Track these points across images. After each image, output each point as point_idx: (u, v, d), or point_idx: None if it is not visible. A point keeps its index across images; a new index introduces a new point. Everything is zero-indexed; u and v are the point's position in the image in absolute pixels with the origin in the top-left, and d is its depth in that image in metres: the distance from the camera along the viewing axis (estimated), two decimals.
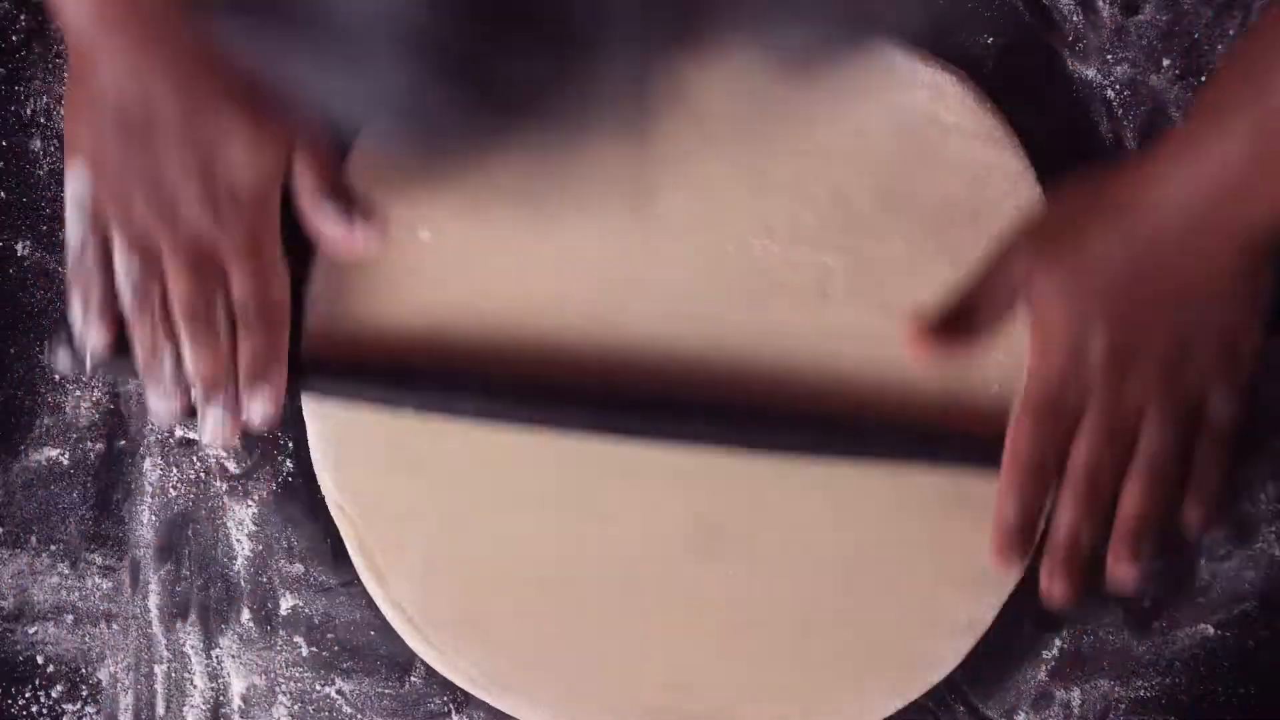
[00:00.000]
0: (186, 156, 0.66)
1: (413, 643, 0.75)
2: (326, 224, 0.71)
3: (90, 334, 0.69)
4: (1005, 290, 0.67)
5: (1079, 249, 0.65)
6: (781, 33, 0.45)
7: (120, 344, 0.70)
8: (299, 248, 0.72)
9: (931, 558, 0.74)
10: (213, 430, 0.70)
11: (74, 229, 0.68)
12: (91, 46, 0.66)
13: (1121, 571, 0.69)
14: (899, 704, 0.75)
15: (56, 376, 0.77)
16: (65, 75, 0.69)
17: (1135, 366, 0.65)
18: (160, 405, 0.70)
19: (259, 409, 0.70)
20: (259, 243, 0.68)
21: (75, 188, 0.68)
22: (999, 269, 0.67)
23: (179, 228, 0.67)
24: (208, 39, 0.64)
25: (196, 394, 0.70)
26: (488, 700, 0.75)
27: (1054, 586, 0.70)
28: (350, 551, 0.75)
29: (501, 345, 0.74)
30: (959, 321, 0.68)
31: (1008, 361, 0.74)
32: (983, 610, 0.74)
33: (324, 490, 0.75)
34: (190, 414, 0.71)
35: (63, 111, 0.68)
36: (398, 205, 0.74)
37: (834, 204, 0.74)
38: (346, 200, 0.71)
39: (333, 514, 0.75)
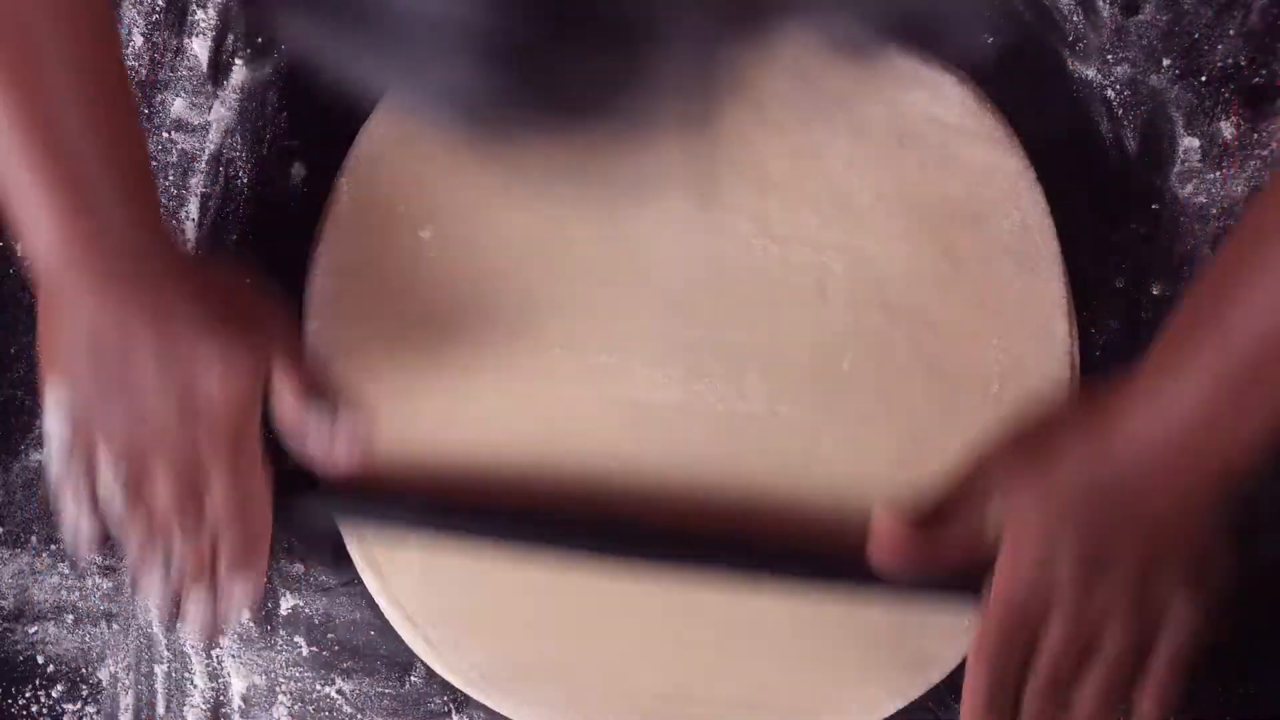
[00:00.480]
0: (165, 383, 0.67)
1: (412, 642, 0.75)
2: (309, 439, 0.71)
3: (85, 530, 0.69)
4: (978, 501, 0.69)
5: (1052, 469, 0.66)
6: (840, 23, 0.45)
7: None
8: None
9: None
10: (195, 615, 0.71)
11: (55, 444, 0.68)
12: (60, 286, 0.67)
13: None
14: (899, 704, 0.75)
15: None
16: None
17: (1102, 579, 0.67)
18: (155, 592, 0.71)
19: (240, 594, 0.71)
20: (239, 449, 0.69)
21: (55, 407, 0.68)
22: (973, 480, 0.69)
23: (162, 443, 0.68)
24: (174, 267, 0.67)
25: (183, 585, 0.71)
26: (486, 701, 0.75)
27: None
28: (350, 549, 0.75)
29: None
30: (930, 526, 0.69)
31: (1006, 360, 0.74)
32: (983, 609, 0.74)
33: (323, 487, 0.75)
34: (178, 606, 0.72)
35: (37, 333, 0.69)
36: (399, 204, 0.74)
37: (834, 204, 0.74)
38: (328, 410, 0.71)
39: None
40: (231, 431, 0.69)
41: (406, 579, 0.74)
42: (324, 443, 0.71)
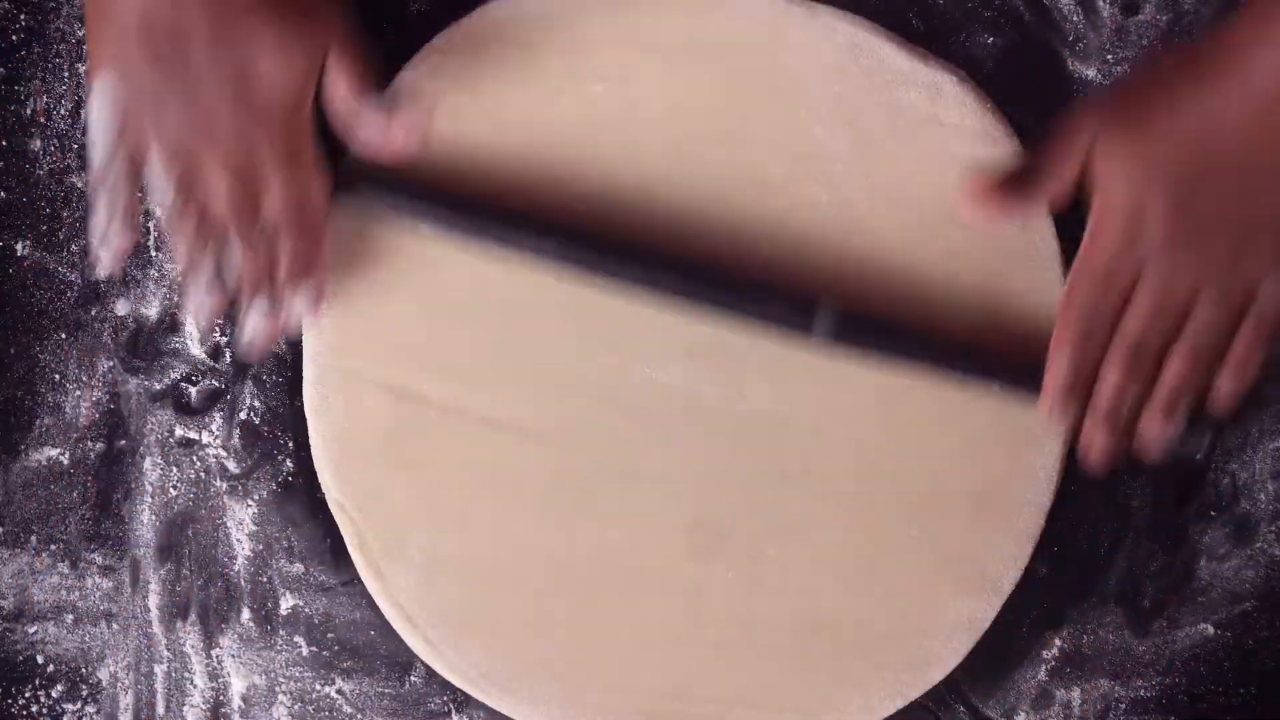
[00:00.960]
0: (219, 67, 0.66)
1: (412, 642, 0.75)
2: (362, 126, 0.70)
3: (114, 241, 0.68)
4: (1071, 155, 0.67)
5: (1151, 119, 0.64)
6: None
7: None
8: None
9: (931, 558, 0.74)
10: (253, 329, 0.70)
11: (101, 141, 0.67)
12: None
13: (1153, 433, 0.70)
14: (899, 704, 0.75)
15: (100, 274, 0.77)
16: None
17: (1194, 244, 0.65)
18: (200, 304, 0.70)
19: (300, 307, 0.70)
20: (296, 148, 0.68)
21: (102, 100, 0.67)
22: (1067, 134, 0.67)
23: (216, 136, 0.67)
24: None
25: (241, 295, 0.70)
26: (486, 701, 0.75)
27: (1094, 444, 0.71)
28: (350, 550, 0.75)
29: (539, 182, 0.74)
30: (1020, 182, 0.68)
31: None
32: (982, 610, 0.74)
33: (324, 488, 0.75)
34: (223, 314, 0.70)
35: (85, 24, 0.67)
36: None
37: (833, 204, 0.74)
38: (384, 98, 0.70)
39: (333, 512, 0.75)
40: (287, 129, 0.67)
41: (406, 580, 0.74)
42: (379, 130, 0.69)
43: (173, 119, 0.67)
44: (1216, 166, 0.64)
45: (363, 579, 0.75)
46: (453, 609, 0.75)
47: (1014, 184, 0.69)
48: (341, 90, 0.69)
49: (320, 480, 0.75)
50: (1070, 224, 0.76)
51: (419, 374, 0.74)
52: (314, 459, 0.75)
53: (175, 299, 0.78)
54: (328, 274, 0.72)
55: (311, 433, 0.75)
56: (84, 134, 0.75)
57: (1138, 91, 0.67)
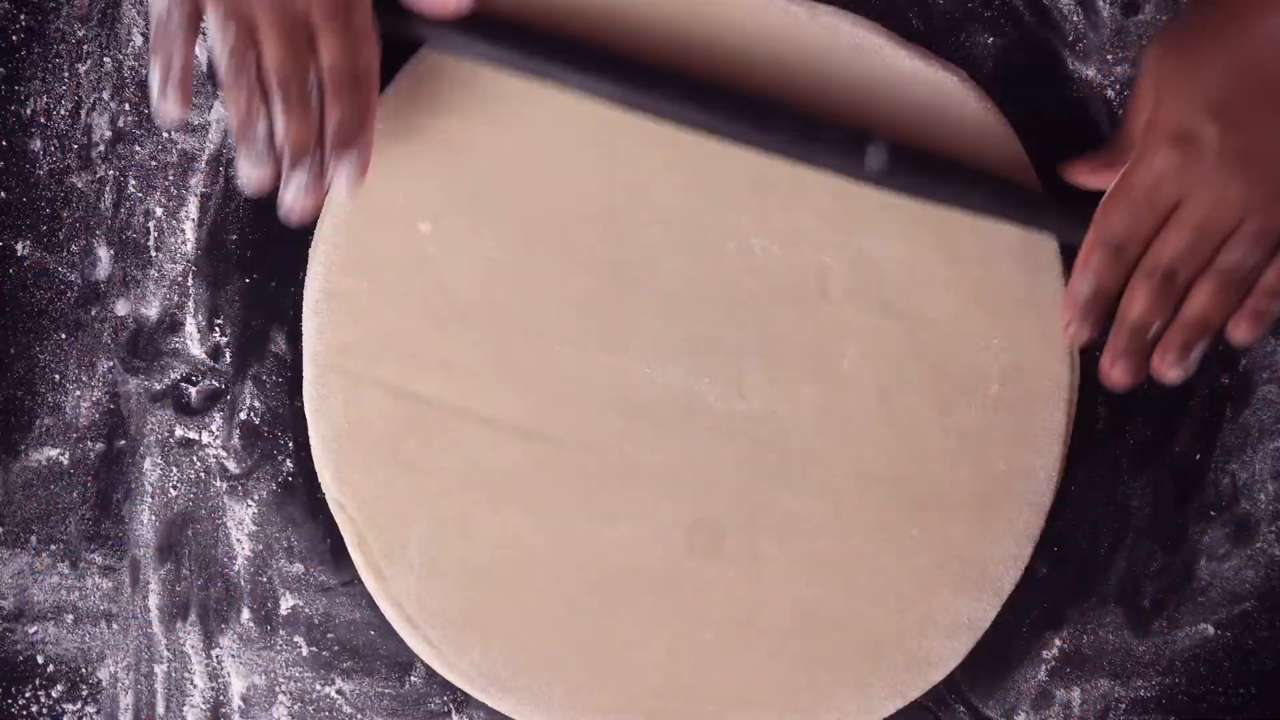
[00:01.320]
0: None
1: (412, 642, 0.75)
2: None
3: (169, 102, 0.67)
4: (1144, 96, 0.68)
5: (1201, 46, 0.65)
6: None
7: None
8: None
9: (931, 559, 0.74)
10: (294, 193, 0.69)
11: None
12: None
13: (1167, 363, 0.70)
14: (899, 704, 0.75)
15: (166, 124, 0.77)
16: None
17: (1241, 173, 0.65)
18: (251, 172, 0.69)
19: (346, 173, 0.70)
20: (348, 10, 0.68)
21: None
22: (1140, 77, 0.68)
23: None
24: None
25: (285, 157, 0.69)
26: (485, 700, 0.75)
27: (1115, 367, 0.71)
28: (350, 549, 0.75)
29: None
30: (1113, 147, 0.69)
31: (1005, 360, 0.74)
32: (982, 610, 0.74)
33: (324, 488, 0.75)
34: (277, 180, 0.69)
35: None
36: (399, 197, 0.74)
37: (834, 203, 0.74)
38: None
39: (333, 512, 0.75)
40: None
41: (406, 580, 0.74)
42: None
43: None
44: (1267, 95, 0.65)
45: (363, 579, 0.75)
46: (453, 609, 0.75)
47: (1111, 150, 0.70)
48: None
49: (320, 480, 0.75)
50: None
51: (419, 374, 0.74)
52: (314, 459, 0.75)
53: (175, 298, 0.78)
54: (373, 142, 0.70)
55: (311, 433, 0.75)
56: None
57: (1192, 19, 0.67)
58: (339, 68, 0.68)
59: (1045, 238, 0.74)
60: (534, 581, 0.74)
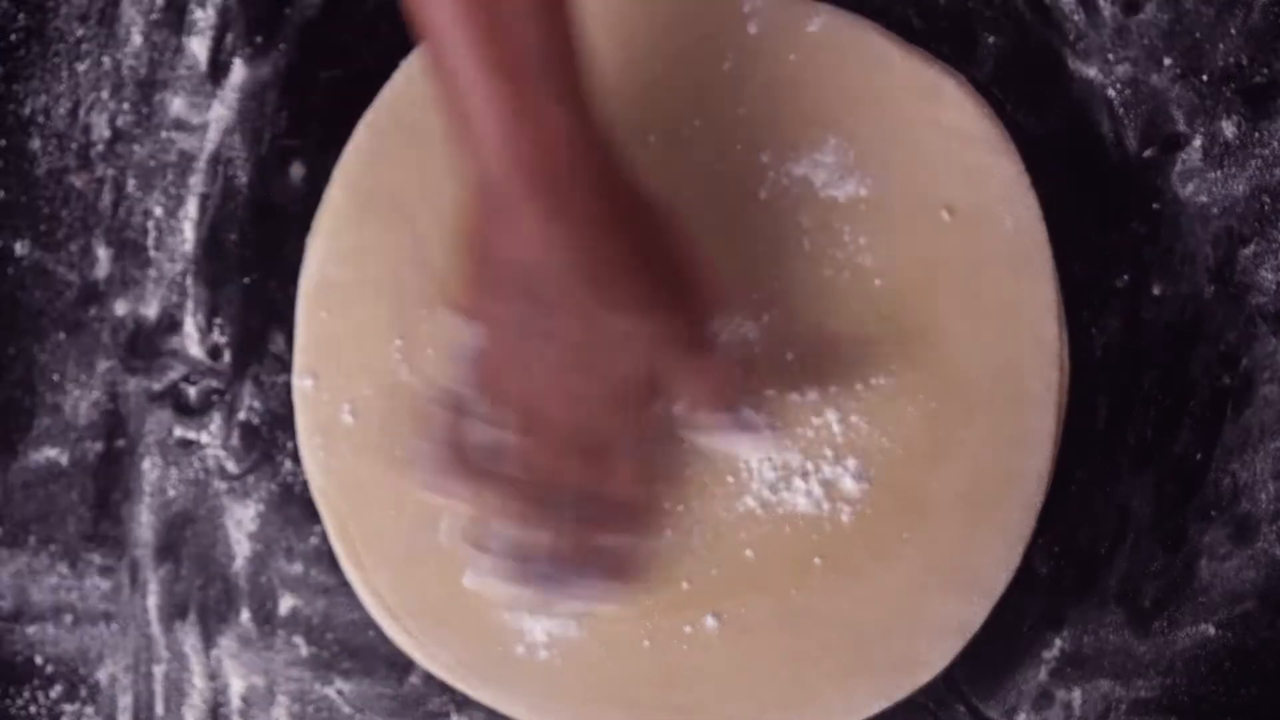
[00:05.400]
0: (583, 345, 0.63)
1: (391, 633, 0.75)
2: (718, 438, 0.68)
3: (455, 492, 0.66)
4: None
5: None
6: None
7: None
8: None
9: (922, 560, 0.74)
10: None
11: (454, 378, 0.65)
12: (502, 205, 0.62)
13: None
14: (884, 704, 0.74)
15: None
16: (459, 240, 0.65)
17: None
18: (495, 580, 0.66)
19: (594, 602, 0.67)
20: (648, 435, 0.66)
21: (467, 344, 0.65)
22: None
23: (564, 414, 0.64)
24: (628, 215, 0.63)
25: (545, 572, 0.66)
26: (467, 691, 0.75)
27: None
28: (331, 539, 0.75)
29: None
30: None
31: (997, 363, 0.74)
32: (973, 612, 0.74)
33: (308, 477, 0.75)
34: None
35: (462, 265, 0.65)
36: (396, 194, 0.74)
37: (828, 205, 0.74)
38: (734, 411, 0.67)
39: (315, 501, 0.75)
40: (641, 410, 0.64)
41: (387, 572, 0.74)
42: (745, 445, 0.69)
43: (531, 386, 0.64)
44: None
45: (344, 569, 0.75)
46: (434, 601, 0.74)
47: None
48: (697, 404, 0.66)
49: (304, 469, 0.75)
50: (1064, 226, 0.76)
51: (407, 364, 0.74)
52: (300, 449, 0.75)
53: (174, 298, 0.78)
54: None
55: (298, 421, 0.75)
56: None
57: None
58: (631, 490, 0.66)
59: (1037, 240, 0.74)
60: None
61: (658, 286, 0.63)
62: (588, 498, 0.65)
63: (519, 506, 0.65)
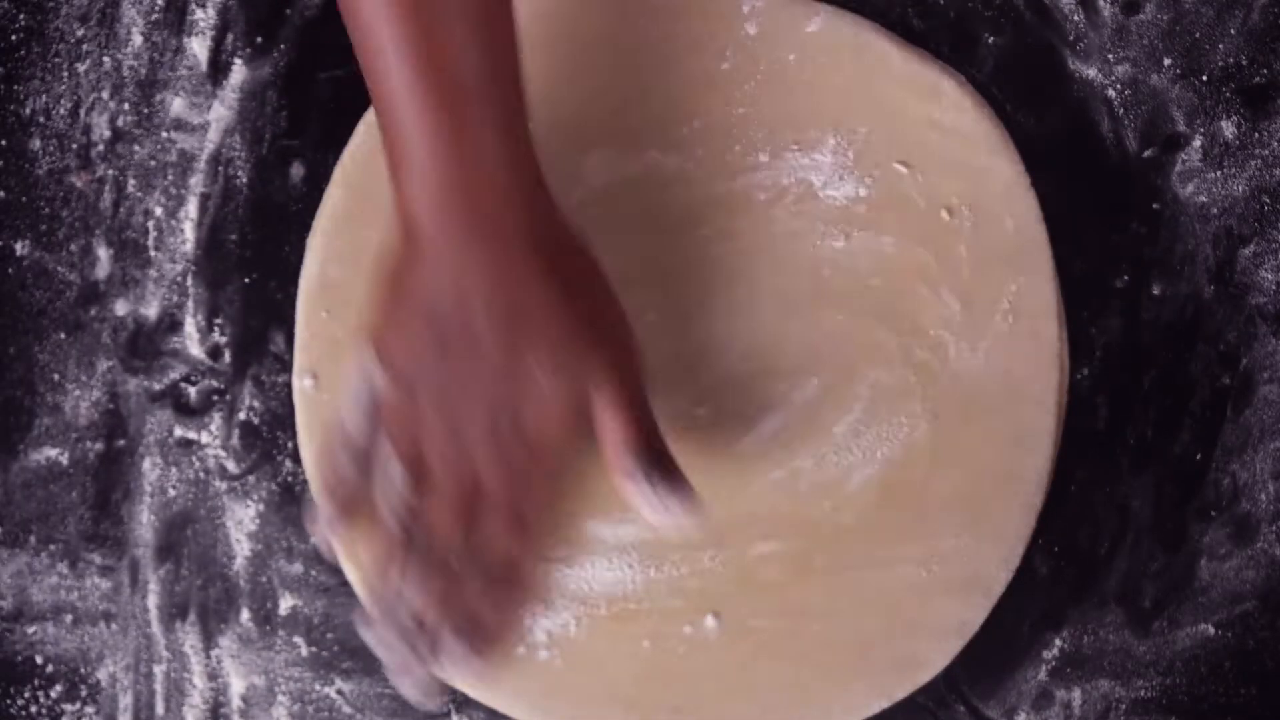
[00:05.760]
0: (495, 382, 0.61)
1: None
2: (631, 489, 0.64)
3: (335, 531, 0.65)
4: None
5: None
6: None
7: None
8: None
9: (921, 560, 0.74)
10: (418, 683, 0.66)
11: (361, 409, 0.64)
12: (425, 236, 0.61)
13: None
14: (884, 703, 0.74)
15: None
16: (379, 268, 0.64)
17: None
18: (408, 665, 0.65)
19: (474, 669, 0.65)
20: (559, 487, 0.64)
21: (371, 369, 0.63)
22: None
23: (451, 468, 0.63)
24: (548, 241, 0.61)
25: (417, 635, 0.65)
26: (466, 690, 0.75)
27: None
28: (334, 543, 0.75)
29: None
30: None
31: (997, 364, 0.74)
32: (972, 612, 0.74)
33: (308, 476, 0.75)
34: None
35: (371, 297, 0.63)
36: None
37: (828, 206, 0.74)
38: (656, 464, 0.63)
39: (316, 500, 0.75)
40: (559, 457, 0.62)
41: None
42: (656, 507, 0.63)
43: (423, 431, 0.62)
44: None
45: (343, 569, 0.75)
46: None
47: None
48: (614, 437, 0.63)
49: (304, 468, 0.75)
50: (1064, 226, 0.76)
51: None
52: (300, 447, 0.75)
53: (175, 298, 0.78)
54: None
55: (299, 422, 0.75)
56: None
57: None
58: (527, 543, 0.63)
59: (1037, 241, 0.74)
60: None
61: (581, 328, 0.62)
62: (465, 551, 0.63)
63: (398, 555, 0.64)
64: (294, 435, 0.77)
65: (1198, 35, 0.77)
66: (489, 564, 0.64)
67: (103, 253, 0.78)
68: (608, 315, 0.64)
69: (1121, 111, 0.77)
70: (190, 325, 0.78)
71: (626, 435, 0.63)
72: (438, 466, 0.63)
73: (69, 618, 0.78)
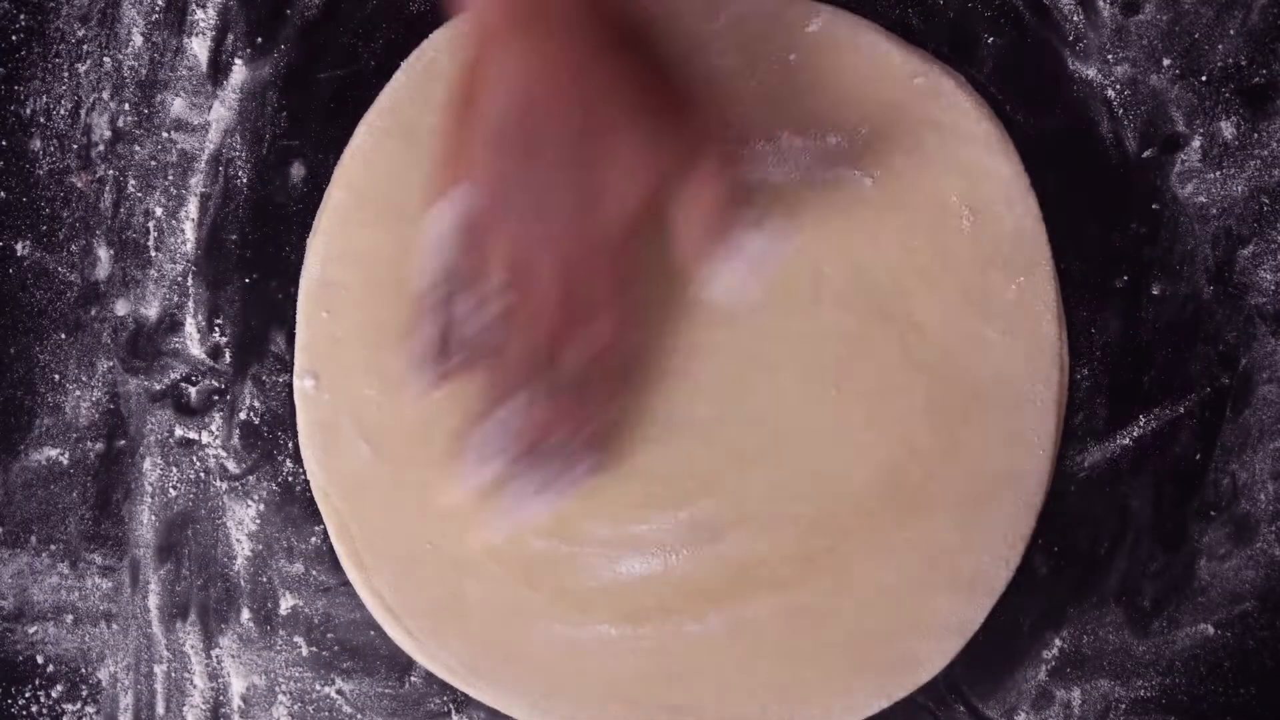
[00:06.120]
0: (569, 184, 0.62)
1: (392, 633, 0.75)
2: (735, 257, 0.65)
3: (428, 375, 0.67)
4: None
5: None
6: None
7: None
8: None
9: (922, 560, 0.74)
10: (514, 504, 0.67)
11: (439, 254, 0.65)
12: (494, 41, 0.62)
13: None
14: (884, 703, 0.74)
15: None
16: (445, 100, 0.65)
17: None
18: (480, 474, 0.67)
19: (577, 474, 0.68)
20: (626, 280, 0.65)
21: (455, 212, 0.64)
22: None
23: (557, 257, 0.64)
24: (611, 46, 0.62)
25: (516, 456, 0.67)
26: (467, 690, 0.75)
27: None
28: (333, 538, 0.75)
29: None
30: None
31: (996, 363, 0.74)
32: (973, 611, 0.74)
33: (310, 476, 0.75)
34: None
35: (441, 137, 0.64)
36: (395, 193, 0.74)
37: (827, 206, 0.74)
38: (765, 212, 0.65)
39: (317, 501, 0.75)
40: (624, 249, 0.63)
41: (388, 573, 0.74)
42: (752, 261, 0.64)
43: (518, 234, 0.64)
44: None
45: (344, 569, 0.75)
46: (434, 601, 0.74)
47: None
48: (706, 211, 0.64)
49: (306, 468, 0.75)
50: (1064, 226, 0.76)
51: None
52: (301, 448, 0.75)
53: (175, 299, 0.78)
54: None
55: (299, 421, 0.75)
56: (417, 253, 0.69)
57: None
58: (612, 345, 0.65)
59: (1037, 241, 0.74)
60: (517, 574, 0.74)
61: (652, 103, 0.63)
62: (574, 354, 0.65)
63: (506, 378, 0.65)
64: (294, 435, 0.77)
65: (1197, 35, 0.77)
66: (581, 371, 0.65)
67: (103, 253, 0.78)
68: (676, 89, 0.65)
69: (1121, 112, 0.77)
70: (190, 325, 0.78)
71: (729, 197, 0.64)
72: (542, 262, 0.64)
73: (70, 618, 0.78)
